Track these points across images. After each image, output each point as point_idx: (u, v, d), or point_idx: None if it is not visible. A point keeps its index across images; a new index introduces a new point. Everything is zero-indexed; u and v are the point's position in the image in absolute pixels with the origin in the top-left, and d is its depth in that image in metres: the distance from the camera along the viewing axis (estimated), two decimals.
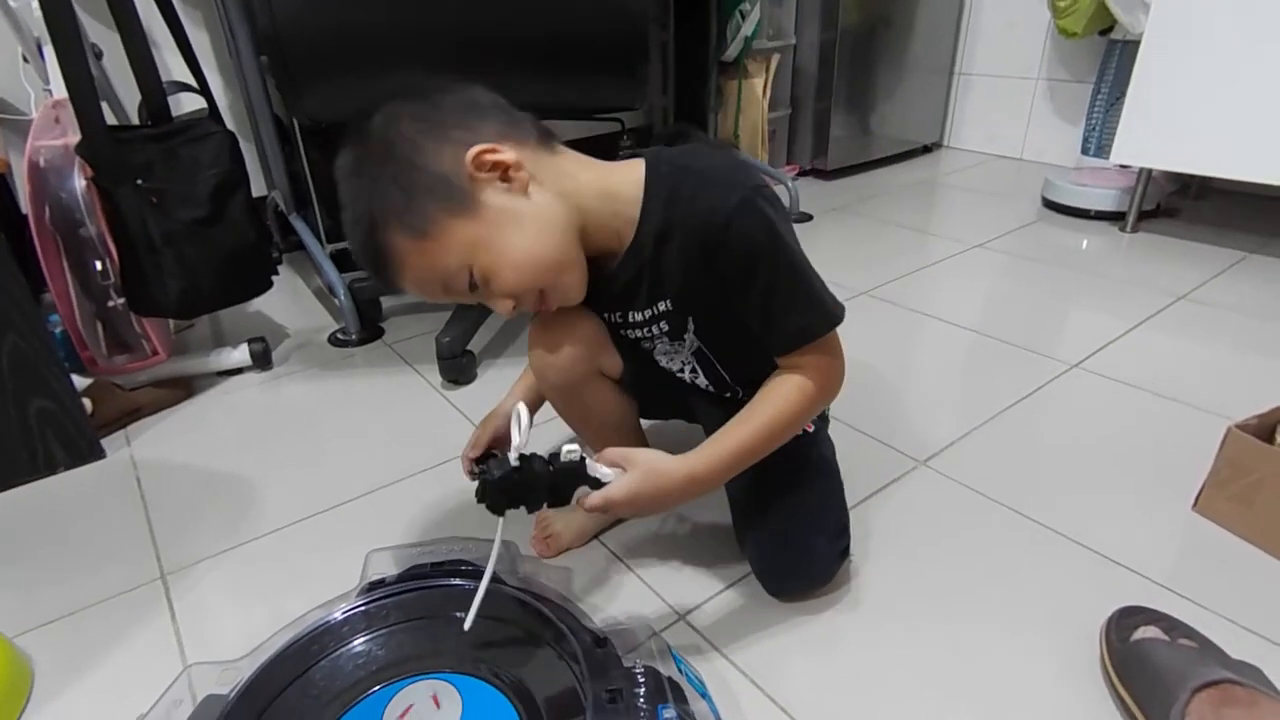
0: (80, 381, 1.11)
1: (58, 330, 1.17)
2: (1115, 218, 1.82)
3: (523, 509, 0.65)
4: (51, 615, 0.80)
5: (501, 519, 0.65)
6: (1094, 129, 2.02)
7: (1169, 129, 1.58)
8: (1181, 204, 1.93)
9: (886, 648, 0.72)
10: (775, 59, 2.08)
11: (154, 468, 1.06)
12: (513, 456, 0.63)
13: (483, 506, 0.65)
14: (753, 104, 2.07)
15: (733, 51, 1.97)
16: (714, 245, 0.63)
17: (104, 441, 1.09)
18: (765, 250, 0.62)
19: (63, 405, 1.03)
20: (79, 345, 1.18)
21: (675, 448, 0.66)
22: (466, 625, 0.64)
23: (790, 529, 0.75)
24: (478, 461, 0.70)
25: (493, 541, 0.65)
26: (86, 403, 1.08)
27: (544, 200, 0.62)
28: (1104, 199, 1.84)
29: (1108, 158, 1.74)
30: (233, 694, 0.60)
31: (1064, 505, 0.89)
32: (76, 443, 1.05)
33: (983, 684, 0.68)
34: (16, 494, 1.01)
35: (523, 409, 0.64)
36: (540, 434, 0.80)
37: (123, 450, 1.10)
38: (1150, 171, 1.71)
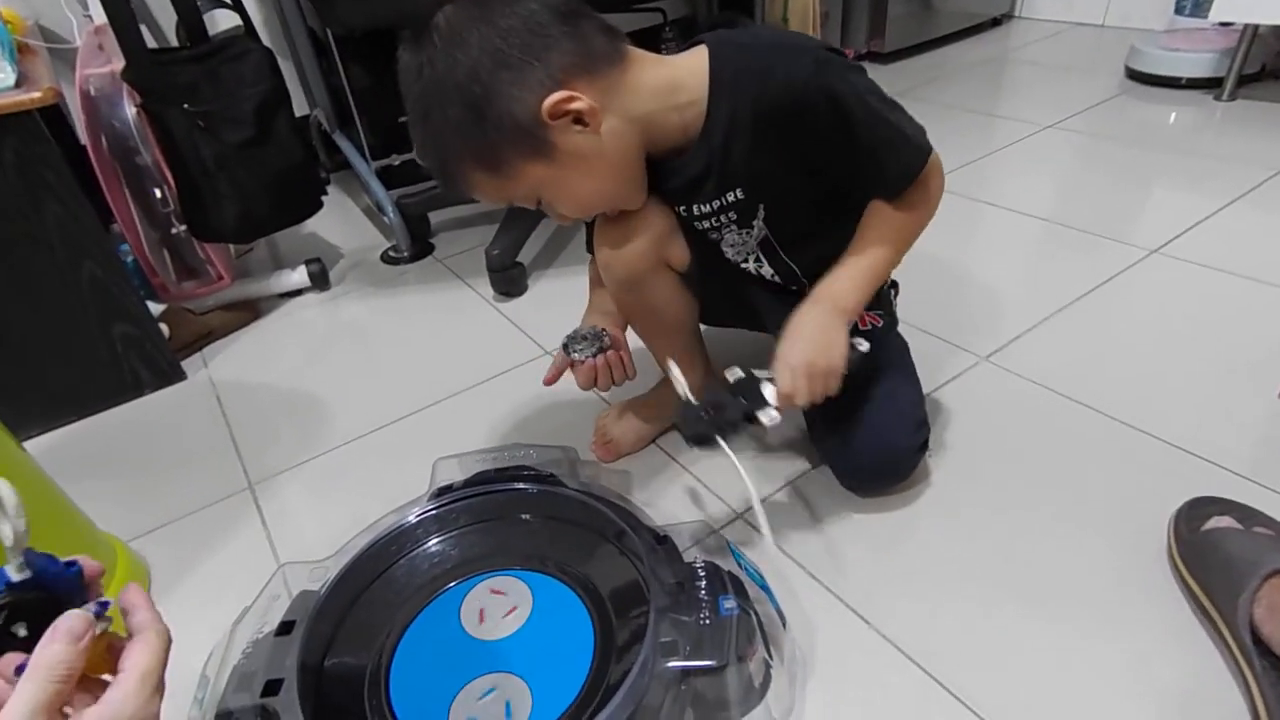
0: (154, 308, 1.16)
1: (129, 259, 1.21)
2: (1211, 85, 1.65)
3: (730, 432, 0.67)
4: (156, 523, 0.87)
5: (727, 445, 0.66)
6: None
7: None
8: None
9: (948, 541, 0.73)
10: None
11: (231, 387, 1.12)
12: (692, 398, 0.67)
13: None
14: None
15: None
16: (800, 109, 0.62)
17: (183, 364, 1.15)
18: (853, 101, 0.62)
19: (143, 329, 1.08)
20: (149, 273, 1.23)
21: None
22: None
23: (871, 425, 0.75)
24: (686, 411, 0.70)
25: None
26: (163, 327, 1.14)
27: (613, 132, 0.63)
28: (1198, 64, 1.66)
29: (1206, 16, 1.56)
30: (324, 589, 0.65)
31: (1137, 398, 0.86)
32: (159, 365, 1.11)
33: (1047, 577, 0.68)
34: (110, 415, 1.09)
35: (673, 365, 0.70)
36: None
37: (200, 372, 1.16)
38: (1256, 28, 1.53)
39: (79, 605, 0.37)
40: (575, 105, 0.59)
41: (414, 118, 0.62)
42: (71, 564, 0.39)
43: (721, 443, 0.65)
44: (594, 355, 0.76)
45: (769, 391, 0.65)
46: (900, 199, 0.68)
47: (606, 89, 0.61)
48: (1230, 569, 0.59)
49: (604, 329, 0.78)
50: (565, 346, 0.77)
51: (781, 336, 0.67)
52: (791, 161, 0.65)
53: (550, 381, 0.78)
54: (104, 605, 0.37)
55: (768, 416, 0.65)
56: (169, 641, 0.37)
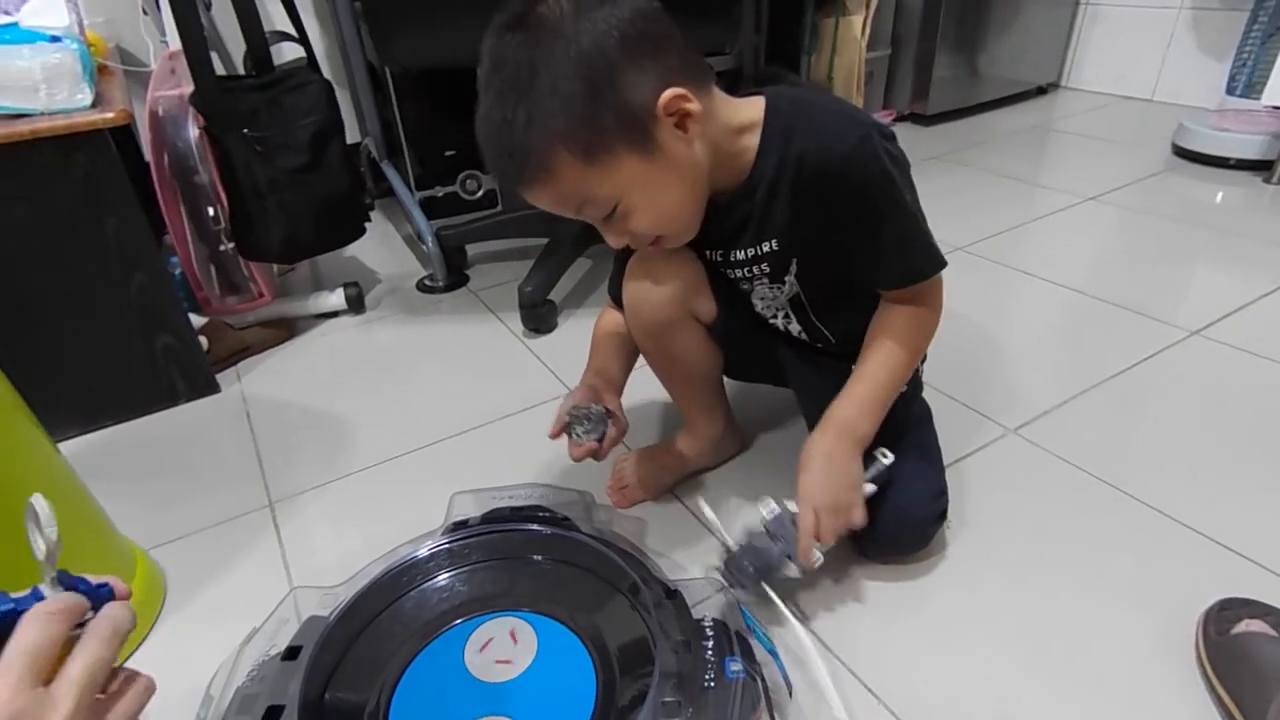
0: (196, 320, 1.20)
1: (176, 272, 1.26)
2: (1261, 167, 1.63)
3: (773, 572, 0.70)
4: (177, 533, 0.89)
5: (773, 593, 0.70)
6: (1245, 65, 1.80)
7: None
8: None
9: (963, 617, 0.71)
10: None
11: (261, 403, 1.14)
12: (732, 545, 0.72)
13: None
14: (849, 44, 1.95)
15: None
16: (830, 180, 0.63)
17: (217, 377, 1.18)
18: (880, 190, 0.63)
19: (184, 341, 1.12)
20: (195, 286, 1.27)
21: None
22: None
23: (888, 491, 0.73)
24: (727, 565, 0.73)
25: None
26: (203, 340, 1.17)
27: (700, 150, 0.62)
28: (1249, 145, 1.65)
29: (1259, 98, 1.55)
30: (332, 617, 0.65)
31: (1169, 483, 0.84)
32: (195, 377, 1.14)
33: (1066, 664, 0.66)
34: (144, 422, 1.11)
35: (706, 508, 0.74)
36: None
37: (234, 385, 1.18)
38: None
39: None
40: (688, 105, 0.58)
41: (506, 88, 0.56)
42: (103, 585, 0.39)
43: (769, 591, 0.69)
44: (597, 439, 0.74)
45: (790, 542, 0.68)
46: (905, 300, 0.69)
47: (702, 106, 0.60)
48: (1261, 680, 0.57)
49: (608, 410, 0.75)
50: (569, 427, 0.75)
51: (799, 468, 0.69)
52: (823, 226, 0.66)
53: (556, 435, 0.76)
54: (104, 585, 0.39)
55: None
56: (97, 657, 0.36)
